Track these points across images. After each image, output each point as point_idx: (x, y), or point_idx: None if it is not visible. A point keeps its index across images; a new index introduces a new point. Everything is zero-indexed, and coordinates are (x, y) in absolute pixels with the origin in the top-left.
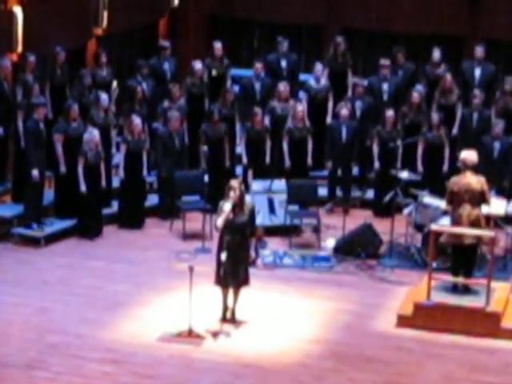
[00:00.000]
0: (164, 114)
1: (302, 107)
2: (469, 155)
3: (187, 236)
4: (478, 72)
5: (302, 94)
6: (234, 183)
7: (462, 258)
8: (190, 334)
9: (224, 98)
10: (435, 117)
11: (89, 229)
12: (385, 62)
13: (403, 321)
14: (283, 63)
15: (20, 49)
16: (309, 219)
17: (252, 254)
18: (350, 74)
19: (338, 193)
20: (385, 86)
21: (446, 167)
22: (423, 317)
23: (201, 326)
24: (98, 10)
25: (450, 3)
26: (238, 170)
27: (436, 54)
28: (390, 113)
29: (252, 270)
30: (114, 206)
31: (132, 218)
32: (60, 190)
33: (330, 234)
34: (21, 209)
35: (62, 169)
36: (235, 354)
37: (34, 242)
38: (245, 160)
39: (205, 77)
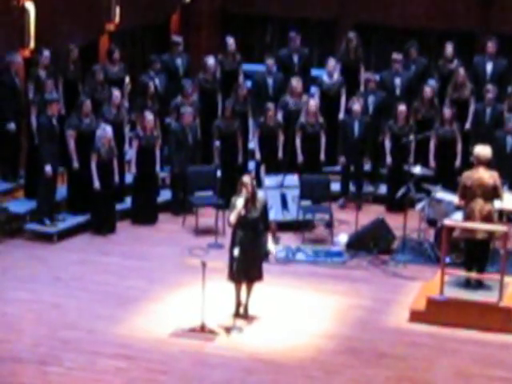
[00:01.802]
0: (177, 110)
1: (314, 102)
2: (482, 150)
3: (200, 231)
4: (489, 67)
5: (314, 89)
6: (246, 179)
7: (474, 253)
8: (203, 330)
9: (237, 93)
10: (447, 112)
11: (102, 225)
12: (397, 56)
13: (416, 316)
14: (295, 58)
15: (32, 45)
16: (321, 214)
17: (271, 247)
18: (362, 69)
19: (351, 188)
20: (397, 81)
21: (458, 162)
22: (436, 312)
23: (213, 322)
24: (111, 5)
25: None
26: (251, 165)
27: (449, 48)
28: (402, 108)
29: (265, 266)
30: (127, 202)
31: (145, 214)
32: (73, 186)
33: (342, 230)
34: (33, 204)
35: (75, 165)
36: (248, 349)
37: (46, 238)
38: (258, 155)
39: (217, 72)
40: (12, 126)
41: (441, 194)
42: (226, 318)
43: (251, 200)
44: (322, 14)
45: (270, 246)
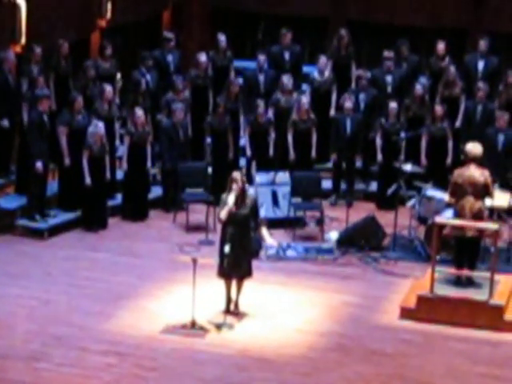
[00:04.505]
0: (168, 106)
1: (306, 99)
2: (473, 148)
3: (191, 228)
4: (481, 65)
5: (305, 87)
6: (236, 175)
7: (465, 251)
8: (194, 326)
9: (228, 90)
10: (439, 109)
11: (93, 221)
12: (389, 54)
13: (406, 313)
14: (286, 55)
15: (24, 41)
16: (312, 211)
17: (270, 240)
18: (353, 66)
19: (342, 185)
20: (389, 79)
21: (449, 160)
22: (427, 309)
23: (204, 319)
24: (102, 1)
25: None
26: (242, 162)
27: (440, 46)
28: (393, 105)
29: (255, 262)
30: (118, 198)
31: (136, 210)
32: (64, 182)
33: (333, 227)
34: (24, 200)
35: (67, 161)
36: (239, 346)
37: (37, 234)
38: (249, 152)
39: (209, 69)
40: (5, 122)
41: (431, 191)
42: (216, 314)
43: (241, 196)
44: (313, 11)
45: (269, 239)
